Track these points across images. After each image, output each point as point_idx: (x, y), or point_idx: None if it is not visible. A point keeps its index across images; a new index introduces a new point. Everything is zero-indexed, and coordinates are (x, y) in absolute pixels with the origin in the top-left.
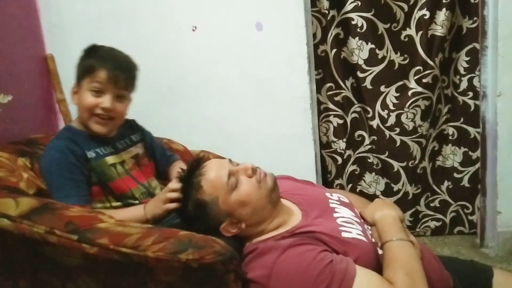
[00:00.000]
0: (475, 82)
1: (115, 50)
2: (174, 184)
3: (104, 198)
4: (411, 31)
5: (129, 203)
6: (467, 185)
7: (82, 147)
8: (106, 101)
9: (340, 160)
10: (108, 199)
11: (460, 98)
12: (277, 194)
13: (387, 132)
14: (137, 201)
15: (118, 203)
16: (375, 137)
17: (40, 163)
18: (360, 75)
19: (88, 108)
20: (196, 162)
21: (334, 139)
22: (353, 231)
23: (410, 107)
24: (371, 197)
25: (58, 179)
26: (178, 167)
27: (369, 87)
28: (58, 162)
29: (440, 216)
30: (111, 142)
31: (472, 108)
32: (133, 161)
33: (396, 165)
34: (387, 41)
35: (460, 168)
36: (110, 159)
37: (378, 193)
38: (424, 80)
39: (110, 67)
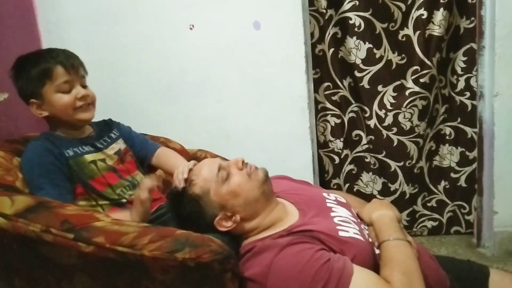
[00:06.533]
0: (472, 82)
1: (49, 48)
2: (147, 182)
3: (88, 196)
4: (409, 30)
5: (115, 200)
6: (464, 185)
7: (59, 146)
8: (79, 90)
9: (337, 160)
10: (93, 197)
11: (457, 98)
12: (270, 187)
13: (384, 132)
14: (117, 197)
15: (105, 202)
16: (372, 137)
17: (20, 164)
18: (357, 74)
19: (69, 106)
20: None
21: (332, 139)
22: (350, 230)
23: (408, 107)
24: (368, 197)
25: (37, 179)
26: (163, 154)
27: (367, 86)
28: (37, 163)
29: (437, 216)
30: (89, 142)
31: (469, 108)
32: (116, 157)
33: (393, 164)
34: (385, 41)
35: (457, 168)
36: (90, 157)
37: (375, 192)
38: (422, 80)
39: (63, 60)
